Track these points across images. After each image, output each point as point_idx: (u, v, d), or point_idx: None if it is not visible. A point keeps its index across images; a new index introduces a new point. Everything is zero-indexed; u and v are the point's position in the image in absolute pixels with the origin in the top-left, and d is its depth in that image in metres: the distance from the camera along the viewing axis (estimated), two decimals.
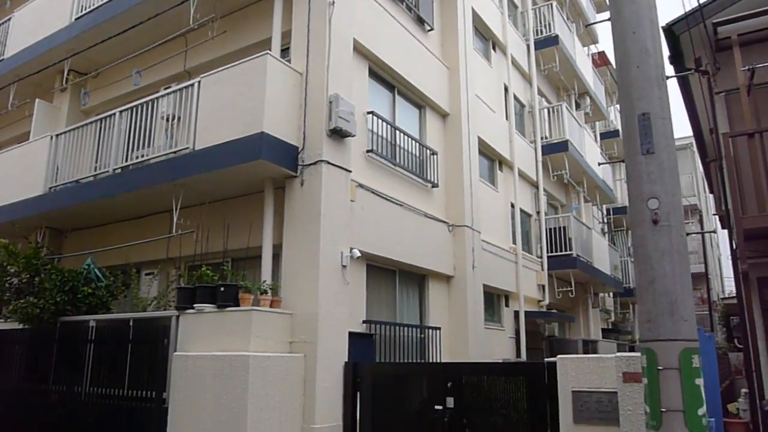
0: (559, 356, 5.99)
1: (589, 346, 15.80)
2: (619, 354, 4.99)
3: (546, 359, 6.29)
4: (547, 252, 15.35)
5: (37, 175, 10.04)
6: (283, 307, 7.10)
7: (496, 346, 12.14)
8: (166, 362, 7.06)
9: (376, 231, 8.58)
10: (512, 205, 14.18)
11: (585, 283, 17.06)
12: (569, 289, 15.63)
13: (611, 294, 20.91)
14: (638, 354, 4.74)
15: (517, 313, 13.42)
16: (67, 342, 8.27)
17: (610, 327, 21.24)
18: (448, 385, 6.63)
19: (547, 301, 14.95)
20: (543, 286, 14.99)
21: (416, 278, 10.11)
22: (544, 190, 15.98)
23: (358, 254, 7.62)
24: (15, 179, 10.43)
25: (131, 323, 7.76)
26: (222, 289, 6.87)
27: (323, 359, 6.94)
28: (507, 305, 13.33)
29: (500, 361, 11.05)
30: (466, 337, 10.42)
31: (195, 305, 7.02)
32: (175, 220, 7.87)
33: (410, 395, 7.15)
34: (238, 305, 6.81)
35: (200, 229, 8.04)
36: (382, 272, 9.15)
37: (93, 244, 9.73)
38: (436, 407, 6.64)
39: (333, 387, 7.06)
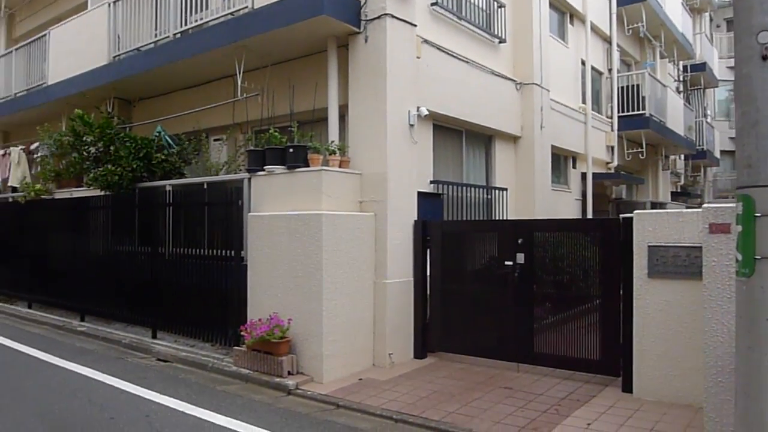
0: (636, 211, 5.84)
1: (657, 209, 15.49)
2: (706, 205, 4.78)
3: (621, 215, 6.15)
4: (618, 112, 14.63)
5: (100, 45, 10.05)
6: (352, 167, 7.11)
7: (562, 207, 12.01)
8: (241, 222, 7.32)
9: (442, 90, 8.28)
10: (583, 62, 13.34)
11: (656, 144, 16.35)
12: (639, 150, 15.05)
13: (682, 156, 20.05)
14: (727, 205, 4.53)
15: (584, 175, 13.12)
16: (147, 206, 8.67)
17: (678, 190, 20.60)
18: (519, 241, 6.64)
19: (615, 163, 14.49)
20: (612, 148, 14.46)
21: (483, 139, 9.88)
22: (618, 45, 14.89)
23: (426, 112, 7.41)
24: (81, 51, 10.49)
25: (205, 186, 8.01)
26: (291, 150, 6.90)
27: (393, 218, 7.03)
28: (574, 167, 13.00)
29: None
30: (533, 198, 10.32)
31: (265, 167, 7.11)
32: (239, 83, 7.80)
33: (479, 252, 7.23)
34: (308, 166, 6.85)
35: (265, 93, 7.96)
36: (449, 132, 8.96)
37: (160, 112, 9.87)
38: (506, 263, 6.71)
39: (403, 244, 7.20)
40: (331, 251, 6.45)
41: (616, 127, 14.56)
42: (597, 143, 13.72)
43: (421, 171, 7.80)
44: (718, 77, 23.05)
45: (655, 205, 14.99)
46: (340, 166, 6.95)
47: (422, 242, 7.32)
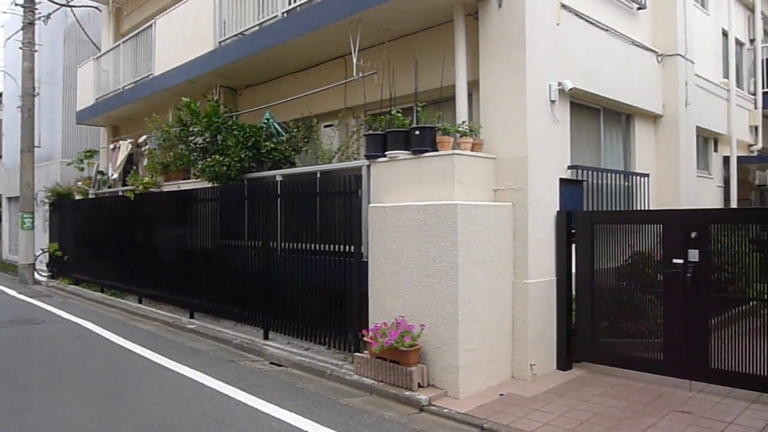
0: None
1: None
2: None
3: None
4: (763, 87, 12.85)
5: (205, 31, 9.73)
6: (485, 151, 6.23)
7: (703, 195, 10.55)
8: (360, 214, 6.63)
9: (581, 61, 7.20)
10: (724, 33, 11.74)
11: None
12: None
13: None
14: None
15: (726, 159, 11.56)
16: (256, 198, 8.18)
17: None
18: (692, 235, 5.52)
19: (759, 145, 12.77)
20: (756, 128, 12.73)
21: (621, 118, 8.69)
22: (761, 13, 13.08)
23: (570, 86, 6.41)
24: (186, 39, 10.24)
25: (319, 176, 7.39)
26: (417, 132, 6.11)
27: (534, 208, 6.10)
28: (716, 150, 11.47)
29: None
30: (678, 185, 9.00)
31: (387, 152, 6.37)
32: (354, 61, 7.10)
33: (638, 247, 6.16)
34: (436, 150, 6.04)
35: (383, 71, 7.22)
36: (586, 111, 7.86)
37: (268, 99, 9.39)
38: (674, 261, 5.61)
39: (545, 238, 6.26)
40: (467, 246, 5.62)
41: (760, 104, 12.80)
42: (740, 123, 12.07)
43: (560, 155, 6.79)
44: None
45: None
46: (472, 150, 6.09)
47: (567, 236, 6.34)
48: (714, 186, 11.29)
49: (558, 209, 6.44)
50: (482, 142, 6.24)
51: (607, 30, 7.82)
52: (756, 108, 12.76)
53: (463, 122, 6.25)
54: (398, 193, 6.31)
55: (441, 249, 5.65)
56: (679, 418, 4.88)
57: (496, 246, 5.93)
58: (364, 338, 6.00)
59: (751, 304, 5.42)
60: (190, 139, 9.29)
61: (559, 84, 6.41)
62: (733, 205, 11.36)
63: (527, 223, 6.03)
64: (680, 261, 5.58)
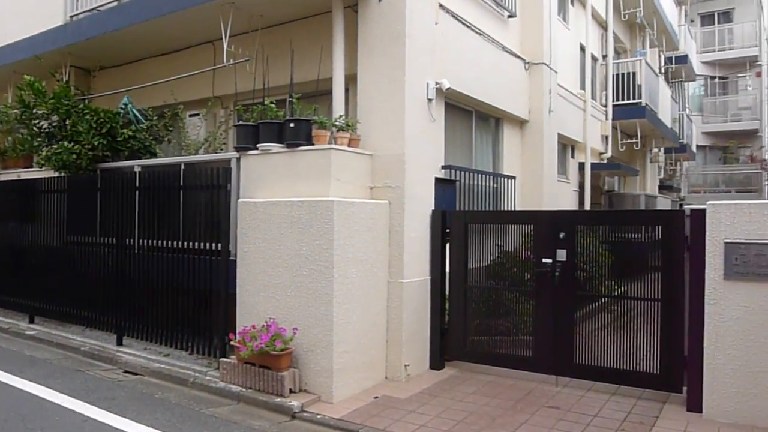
0: (710, 203, 5.00)
1: (650, 202, 14.94)
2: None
3: (688, 206, 5.33)
4: (612, 100, 13.96)
5: (54, 3, 8.67)
6: (362, 147, 6.06)
7: (562, 199, 11.20)
8: (228, 210, 6.19)
9: (456, 63, 7.28)
10: (582, 47, 12.60)
11: (646, 135, 15.80)
12: (634, 141, 14.44)
13: (662, 149, 19.69)
14: None
15: (582, 165, 12.39)
16: (111, 190, 7.39)
17: (659, 183, 20.25)
18: (561, 235, 5.73)
19: (609, 154, 13.83)
20: (606, 137, 13.79)
21: (491, 121, 8.96)
22: (613, 32, 14.22)
23: (448, 85, 6.43)
24: (31, 10, 9.08)
25: (183, 168, 6.82)
26: (292, 125, 5.80)
27: (411, 206, 6.03)
28: (572, 156, 12.25)
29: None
30: (541, 187, 9.47)
31: (259, 145, 6.00)
32: (225, 47, 6.63)
33: (510, 247, 6.31)
34: (312, 144, 5.78)
35: (255, 60, 6.81)
36: (459, 112, 7.99)
37: (126, 83, 8.56)
38: (544, 260, 5.80)
39: (421, 237, 6.22)
40: (343, 245, 5.41)
41: (610, 116, 13.89)
42: (593, 132, 13.01)
43: (435, 154, 6.80)
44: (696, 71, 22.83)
45: (649, 199, 14.44)
46: (349, 145, 5.89)
47: (441, 235, 6.35)
48: (571, 190, 12.05)
49: (433, 208, 6.43)
50: (359, 137, 6.07)
51: (481, 34, 8.00)
52: (606, 119, 13.82)
53: (341, 116, 6.03)
54: (271, 188, 5.96)
55: (316, 247, 5.39)
56: (548, 414, 5.02)
57: (372, 245, 5.78)
58: (232, 342, 5.59)
59: (603, 300, 5.74)
60: (34, 122, 8.23)
61: (437, 83, 6.40)
62: (587, 208, 12.20)
63: (404, 221, 5.94)
64: (549, 260, 5.78)
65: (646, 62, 14.32)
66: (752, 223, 4.75)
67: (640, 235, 5.59)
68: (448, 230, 6.40)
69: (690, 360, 5.08)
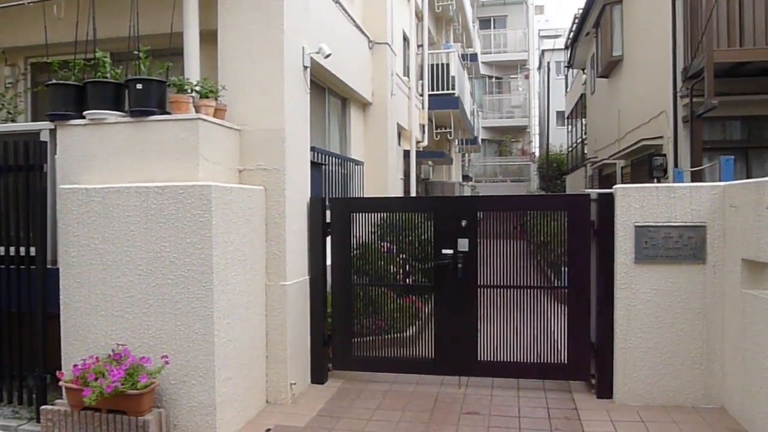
0: (618, 186, 4.88)
1: (461, 190, 15.56)
2: (732, 183, 4.02)
3: (594, 190, 5.19)
4: (429, 90, 14.15)
5: None
6: (228, 120, 4.87)
7: (396, 186, 10.96)
8: (45, 200, 4.53)
9: (317, 29, 6.37)
10: (405, 36, 12.45)
11: (454, 127, 16.42)
12: (448, 131, 14.84)
13: (458, 141, 20.88)
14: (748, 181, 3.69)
15: (407, 153, 12.27)
16: None
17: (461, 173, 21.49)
18: (463, 223, 5.23)
19: (425, 143, 14.00)
20: (423, 126, 13.94)
21: (340, 101, 8.20)
22: (428, 24, 14.39)
23: (328, 51, 5.49)
24: None
25: None
26: (139, 86, 4.37)
27: (291, 194, 5.02)
28: (399, 143, 12.06)
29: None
30: (386, 175, 9.03)
31: (87, 113, 4.46)
32: None
33: (403, 238, 5.65)
34: (167, 112, 4.45)
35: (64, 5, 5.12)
36: (315, 88, 7.05)
37: None
38: (444, 251, 5.25)
39: (300, 230, 5.23)
40: (223, 243, 4.23)
41: (427, 105, 14.07)
42: (414, 121, 13.00)
43: (306, 133, 5.84)
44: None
45: (461, 187, 14.99)
46: (215, 116, 4.66)
47: (322, 227, 5.44)
48: (398, 177, 11.86)
49: (310, 195, 5.49)
50: (225, 108, 4.85)
51: (337, 3, 7.19)
52: (423, 108, 13.96)
53: (205, 79, 4.74)
54: (107, 171, 4.47)
55: (187, 247, 4.12)
56: (473, 422, 4.47)
57: (250, 241, 4.66)
58: (62, 382, 4.04)
59: (507, 291, 5.40)
60: None
61: (319, 49, 5.44)
62: (413, 194, 12.13)
63: (285, 211, 4.90)
64: (450, 251, 5.24)
65: (458, 55, 14.80)
66: (659, 207, 4.74)
67: (543, 221, 5.33)
68: (329, 221, 5.52)
69: (599, 346, 4.96)
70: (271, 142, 4.89)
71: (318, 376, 5.39)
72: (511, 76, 29.22)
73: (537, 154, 28.78)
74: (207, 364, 4.09)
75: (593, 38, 16.06)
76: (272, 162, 4.90)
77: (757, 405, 4.07)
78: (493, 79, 29.18)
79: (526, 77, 28.99)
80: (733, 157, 6.98)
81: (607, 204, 4.89)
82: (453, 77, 14.24)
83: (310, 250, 5.41)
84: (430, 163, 13.97)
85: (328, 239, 5.52)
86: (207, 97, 4.61)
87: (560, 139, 28.58)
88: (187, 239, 4.11)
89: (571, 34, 20.63)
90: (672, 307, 4.73)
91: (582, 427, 4.35)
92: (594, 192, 5.10)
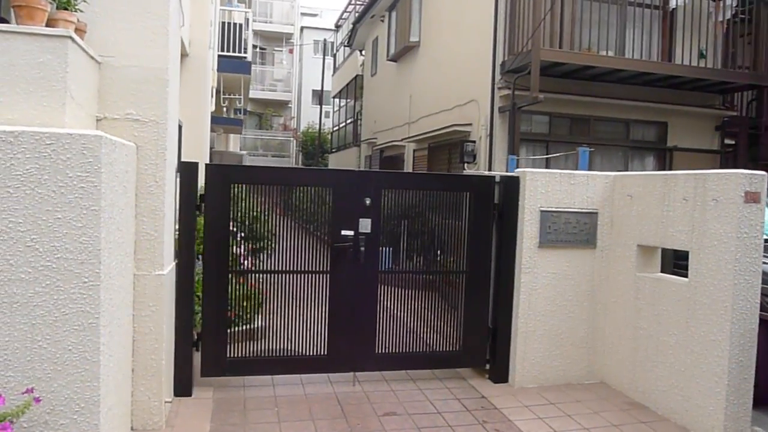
0: (526, 170, 4.83)
1: (243, 159, 14.55)
2: (626, 173, 4.22)
3: (498, 173, 5.04)
4: (219, 50, 12.82)
5: None
6: (88, 44, 3.48)
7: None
8: None
9: None
10: None
11: (245, 94, 15.25)
12: (237, 96, 13.66)
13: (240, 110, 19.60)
14: (759, 173, 3.95)
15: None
16: None
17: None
18: (367, 202, 4.63)
19: (213, 108, 12.71)
20: (214, 89, 12.61)
21: None
22: None
23: None
24: None
25: None
26: None
27: (170, 155, 3.85)
28: None
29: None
30: (204, 139, 7.83)
31: None
32: None
33: (294, 216, 4.78)
34: (6, 21, 2.97)
35: None
36: None
37: None
38: (344, 233, 4.61)
39: (172, 202, 4.07)
40: (109, 220, 2.98)
41: (216, 66, 12.74)
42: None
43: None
44: None
45: (244, 157, 13.96)
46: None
47: (193, 198, 4.32)
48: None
49: (182, 160, 4.32)
50: (86, 28, 3.46)
51: None
52: (213, 70, 12.60)
53: None
54: None
55: (56, 226, 2.79)
56: (399, 424, 3.99)
57: (125, 218, 3.42)
58: None
59: (408, 276, 5.00)
60: None
61: None
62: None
63: (164, 177, 3.72)
64: (350, 233, 4.60)
65: (248, 17, 13.69)
66: (562, 192, 4.81)
67: (444, 202, 5.00)
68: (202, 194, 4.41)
69: (497, 331, 4.88)
70: (148, 84, 3.65)
71: (184, 387, 4.29)
72: (276, 49, 28.44)
73: (300, 130, 28.60)
74: (88, 393, 2.85)
75: (380, 21, 16.35)
76: (148, 111, 3.66)
77: (653, 378, 4.40)
78: (257, 49, 28.06)
79: (291, 51, 28.49)
80: (590, 148, 7.63)
81: (512, 187, 4.80)
82: (245, 40, 13.13)
83: (180, 227, 4.26)
84: (222, 131, 12.71)
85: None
86: (65, 10, 3.21)
87: (316, 117, 28.84)
88: (58, 214, 2.79)
89: (346, 15, 20.83)
90: (566, 290, 4.87)
91: (505, 416, 4.21)
92: (498, 174, 4.98)
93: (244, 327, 4.99)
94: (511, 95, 8.53)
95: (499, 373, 4.87)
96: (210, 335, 4.47)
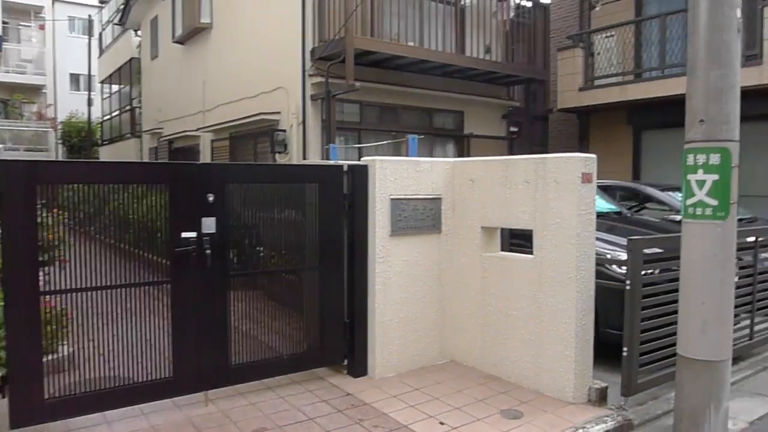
0: (375, 158, 4.75)
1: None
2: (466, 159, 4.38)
3: (344, 162, 4.82)
4: None
5: None
6: None
7: None
8: None
9: None
10: None
11: None
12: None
13: None
14: (589, 155, 4.25)
15: None
16: None
17: None
18: (210, 198, 4.10)
19: None
20: None
21: None
22: None
23: None
24: None
25: None
26: None
27: None
28: None
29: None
30: None
31: None
32: None
33: (121, 220, 4.00)
34: None
35: None
36: None
37: None
38: (184, 235, 4.04)
39: None
40: None
41: None
42: None
43: None
44: None
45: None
46: None
47: None
48: None
49: None
50: None
51: None
52: None
53: None
54: None
55: None
56: None
57: None
58: None
59: (259, 278, 4.56)
60: None
61: None
62: None
63: None
64: (193, 234, 4.03)
65: None
66: (409, 179, 4.80)
67: (294, 194, 4.62)
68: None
69: (353, 324, 4.73)
70: None
71: None
72: (22, 24, 24.43)
73: (59, 119, 24.97)
74: None
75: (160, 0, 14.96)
76: None
77: (504, 351, 4.64)
78: None
79: (42, 27, 24.72)
80: (418, 136, 7.68)
81: (361, 176, 4.67)
82: None
83: None
84: None
85: None
86: None
87: (76, 105, 25.58)
88: None
89: None
90: (418, 277, 4.91)
91: (378, 410, 4.09)
92: (345, 163, 4.79)
93: (54, 356, 4.12)
94: (324, 83, 8.38)
95: (359, 367, 4.74)
96: (16, 374, 3.58)
